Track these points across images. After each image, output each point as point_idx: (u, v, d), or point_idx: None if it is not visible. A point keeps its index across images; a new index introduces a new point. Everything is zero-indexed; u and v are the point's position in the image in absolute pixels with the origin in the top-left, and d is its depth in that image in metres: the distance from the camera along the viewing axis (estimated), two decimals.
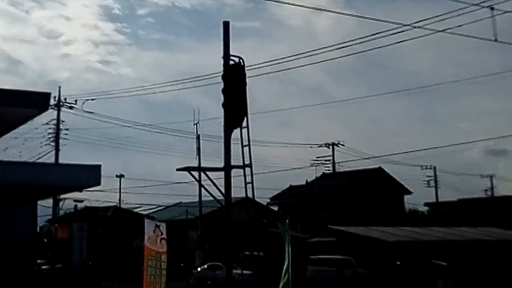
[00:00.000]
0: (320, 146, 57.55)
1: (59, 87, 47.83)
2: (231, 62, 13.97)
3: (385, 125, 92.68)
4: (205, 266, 38.89)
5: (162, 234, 12.42)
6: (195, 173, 15.15)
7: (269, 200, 58.21)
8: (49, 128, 46.55)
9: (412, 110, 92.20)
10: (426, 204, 55.16)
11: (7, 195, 15.17)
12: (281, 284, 15.25)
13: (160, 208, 58.69)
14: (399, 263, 28.88)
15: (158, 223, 12.66)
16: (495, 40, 18.90)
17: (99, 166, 13.51)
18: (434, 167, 62.75)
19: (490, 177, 68.38)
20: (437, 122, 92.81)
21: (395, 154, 78.12)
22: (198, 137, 44.50)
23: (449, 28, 19.49)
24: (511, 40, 21.20)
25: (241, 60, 13.90)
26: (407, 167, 70.81)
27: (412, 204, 52.30)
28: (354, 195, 46.86)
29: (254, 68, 21.42)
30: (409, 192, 51.30)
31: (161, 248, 12.53)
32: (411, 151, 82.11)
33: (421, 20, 19.53)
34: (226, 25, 14.23)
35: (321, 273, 33.88)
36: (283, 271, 14.26)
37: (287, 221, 15.83)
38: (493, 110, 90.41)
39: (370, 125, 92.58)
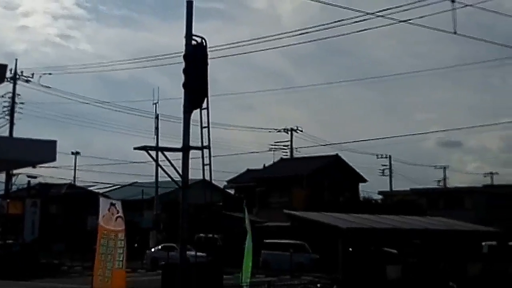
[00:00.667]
0: (279, 131, 57.90)
1: (16, 59, 46.95)
2: (194, 43, 13.89)
3: (344, 113, 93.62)
4: (159, 246, 38.79)
5: (118, 212, 12.30)
6: (153, 153, 15.07)
7: (226, 183, 58.35)
8: (4, 101, 45.62)
9: (371, 98, 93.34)
10: (380, 193, 56.13)
11: None
12: (243, 266, 15.36)
13: (115, 187, 58.20)
14: (351, 249, 29.32)
15: (114, 201, 12.56)
16: (455, 32, 19.26)
17: (54, 142, 13.21)
18: (390, 156, 63.80)
19: (444, 168, 70.00)
20: (395, 112, 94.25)
21: (352, 142, 79.20)
22: (157, 117, 44.21)
23: (411, 19, 19.77)
24: (469, 34, 21.65)
25: (203, 41, 13.83)
26: (363, 156, 71.85)
27: (367, 192, 53.14)
28: (311, 181, 47.29)
29: (217, 50, 21.37)
30: (364, 180, 52.05)
31: (117, 226, 12.40)
32: (368, 140, 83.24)
33: (384, 9, 19.77)
34: (189, 4, 14.12)
35: (275, 257, 34.21)
36: (245, 253, 14.30)
37: (244, 205, 15.91)
38: (450, 102, 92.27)
39: (329, 112, 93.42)
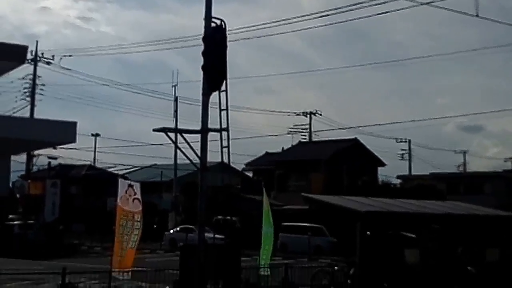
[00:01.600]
0: (298, 114, 57.78)
1: (37, 41, 47.53)
2: (213, 25, 13.81)
3: (363, 97, 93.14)
4: (178, 228, 39.06)
5: (135, 194, 12.38)
6: (172, 135, 15.07)
7: (244, 166, 58.48)
8: (25, 83, 46.05)
9: (391, 82, 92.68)
10: (398, 177, 55.88)
11: None
12: (261, 249, 15.41)
13: (135, 168, 58.63)
14: (369, 233, 29.27)
15: (132, 183, 12.64)
16: (477, 15, 19.01)
17: (74, 123, 13.35)
18: (409, 141, 63.50)
19: (464, 153, 69.47)
20: (415, 96, 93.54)
21: (371, 125, 78.77)
22: (176, 99, 44.33)
23: (433, 2, 19.52)
24: (491, 16, 21.32)
25: (222, 23, 13.74)
26: (382, 140, 71.74)
27: (386, 176, 52.96)
28: (329, 164, 47.20)
29: (236, 33, 21.30)
30: (383, 164, 51.84)
31: (134, 208, 12.50)
32: (387, 124, 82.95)
33: None
34: None
35: (293, 240, 34.30)
36: (263, 236, 14.34)
37: (263, 189, 15.93)
38: (471, 86, 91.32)
39: (349, 96, 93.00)
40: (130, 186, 12.58)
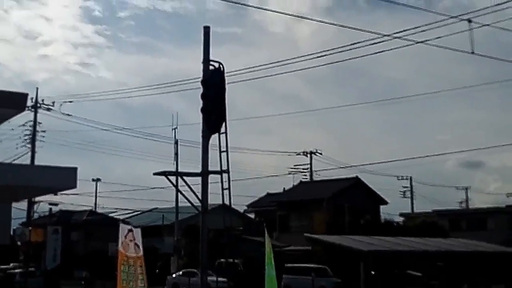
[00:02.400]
0: (298, 154, 57.82)
1: (37, 88, 47.70)
2: (211, 67, 13.98)
3: (363, 135, 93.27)
4: (180, 272, 38.71)
5: (134, 239, 12.26)
6: (172, 178, 15.09)
7: (246, 207, 58.24)
8: (26, 130, 46.19)
9: (390, 120, 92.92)
10: (401, 215, 55.57)
11: None
12: None
13: (136, 213, 58.39)
14: (373, 272, 29.03)
15: (132, 228, 12.54)
16: (472, 52, 19.16)
17: (75, 169, 13.31)
18: (410, 178, 63.38)
19: (466, 189, 69.23)
20: (414, 133, 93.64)
21: (372, 163, 78.66)
22: (176, 142, 44.42)
23: (428, 40, 19.73)
24: (487, 53, 21.54)
25: (221, 66, 13.91)
26: (383, 177, 71.45)
27: (388, 214, 52.67)
28: (331, 204, 47.04)
29: (234, 75, 21.48)
30: (385, 202, 51.62)
31: (135, 253, 12.37)
32: (388, 161, 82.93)
33: (401, 31, 19.75)
34: (206, 30, 14.24)
35: (296, 282, 33.92)
36: (267, 279, 14.18)
37: (265, 230, 15.85)
38: (470, 122, 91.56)
39: (348, 134, 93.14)
40: (130, 231, 12.50)
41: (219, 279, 29.96)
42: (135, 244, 12.42)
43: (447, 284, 27.37)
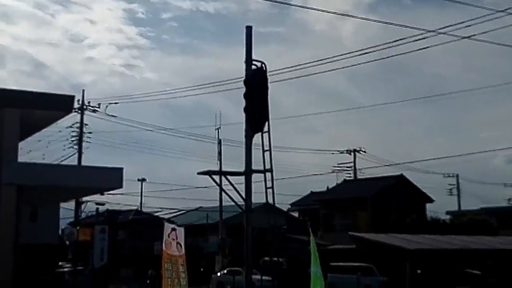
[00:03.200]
0: (342, 152, 57.41)
1: (83, 90, 48.40)
2: (254, 67, 14.00)
3: (407, 132, 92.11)
4: (225, 271, 38.90)
5: (177, 238, 12.35)
6: (216, 177, 15.20)
7: (289, 206, 58.16)
8: (73, 131, 47.06)
9: (435, 117, 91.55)
10: (448, 213, 54.68)
11: (31, 197, 15.35)
12: None
13: (180, 212, 58.91)
14: (420, 271, 28.64)
15: (176, 227, 12.64)
16: None
17: (121, 169, 13.57)
18: (457, 175, 62.32)
19: None
20: (460, 130, 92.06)
21: (417, 161, 77.58)
22: (219, 142, 44.64)
23: (474, 35, 19.36)
24: None
25: (263, 65, 13.92)
26: (429, 175, 70.20)
27: (434, 212, 51.87)
28: (375, 202, 46.58)
29: (277, 74, 21.45)
30: (431, 200, 50.84)
31: (177, 252, 12.47)
32: (433, 159, 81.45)
33: (446, 26, 19.43)
34: (248, 30, 14.26)
35: (342, 280, 33.67)
36: (312, 277, 14.14)
37: (310, 229, 15.80)
38: None
39: (392, 132, 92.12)
40: (174, 229, 12.61)
41: (264, 277, 29.97)
42: (178, 243, 12.51)
43: (506, 282, 26.81)
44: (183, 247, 12.66)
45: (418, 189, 49.64)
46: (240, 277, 31.00)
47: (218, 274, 39.42)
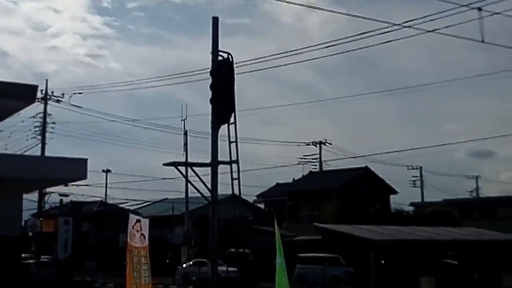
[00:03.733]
0: (307, 144, 57.75)
1: (46, 80, 47.66)
2: (220, 58, 13.97)
3: (372, 125, 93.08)
4: (191, 262, 38.85)
5: (141, 229, 12.31)
6: (182, 169, 15.14)
7: (255, 197, 58.34)
8: (36, 121, 46.33)
9: (399, 110, 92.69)
10: (411, 204, 55.46)
11: None
12: (276, 282, 15.25)
13: (146, 203, 58.62)
14: (383, 262, 29.01)
15: (140, 218, 12.58)
16: (482, 41, 19.03)
17: (85, 160, 13.39)
18: (420, 168, 63.23)
19: (476, 178, 69.03)
20: (424, 122, 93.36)
21: (381, 153, 78.46)
22: (185, 133, 44.48)
23: (438, 29, 19.61)
24: (497, 41, 21.39)
25: (229, 56, 13.90)
26: (393, 167, 71.27)
27: (398, 204, 52.61)
28: (341, 193, 47.02)
29: (243, 65, 21.44)
30: (395, 192, 51.54)
31: (140, 243, 12.42)
32: (398, 151, 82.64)
33: (411, 20, 19.63)
34: (215, 20, 14.22)
35: (309, 271, 33.95)
36: (277, 269, 14.23)
37: (275, 220, 15.87)
38: (480, 111, 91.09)
39: (357, 124, 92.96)
40: (138, 221, 12.55)
41: (229, 268, 30.04)
42: (141, 234, 12.46)
43: (457, 273, 27.30)
44: (146, 238, 12.61)
45: (383, 181, 50.26)
46: (206, 268, 31.01)
47: (184, 265, 39.36)
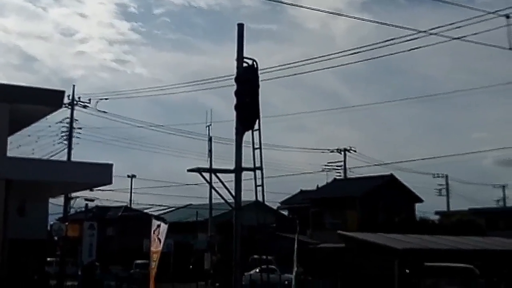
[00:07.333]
0: (332, 151, 57.53)
1: (73, 85, 48.15)
2: (245, 65, 13.99)
3: (398, 132, 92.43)
4: (257, 270, 38.41)
5: (159, 233, 12.41)
6: (206, 175, 15.15)
7: (279, 204, 58.25)
8: (63, 127, 46.84)
9: (425, 117, 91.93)
10: (437, 213, 54.91)
11: (19, 192, 15.28)
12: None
13: (170, 209, 58.88)
14: (408, 271, 28.67)
15: (161, 223, 12.67)
16: (510, 48, 18.80)
17: (111, 165, 13.53)
18: (446, 176, 62.55)
19: (503, 187, 68.07)
20: (450, 130, 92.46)
21: (407, 161, 77.94)
22: (210, 139, 44.62)
23: (465, 36, 19.41)
24: None
25: (254, 63, 13.91)
26: (418, 175, 70.54)
27: (423, 212, 52.11)
28: (365, 201, 46.72)
29: (268, 72, 21.43)
30: (420, 200, 51.06)
31: (155, 248, 12.51)
32: (423, 159, 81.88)
33: (437, 27, 19.47)
34: (240, 27, 14.25)
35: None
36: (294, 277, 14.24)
37: (298, 228, 15.85)
38: (507, 120, 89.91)
39: (383, 132, 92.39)
40: (159, 226, 12.64)
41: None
42: (158, 238, 12.55)
43: (484, 283, 26.89)
44: (162, 243, 12.67)
45: (408, 189, 49.84)
46: (275, 276, 30.66)
47: (251, 272, 39.04)
